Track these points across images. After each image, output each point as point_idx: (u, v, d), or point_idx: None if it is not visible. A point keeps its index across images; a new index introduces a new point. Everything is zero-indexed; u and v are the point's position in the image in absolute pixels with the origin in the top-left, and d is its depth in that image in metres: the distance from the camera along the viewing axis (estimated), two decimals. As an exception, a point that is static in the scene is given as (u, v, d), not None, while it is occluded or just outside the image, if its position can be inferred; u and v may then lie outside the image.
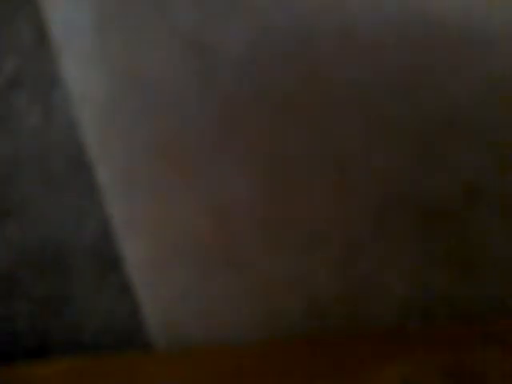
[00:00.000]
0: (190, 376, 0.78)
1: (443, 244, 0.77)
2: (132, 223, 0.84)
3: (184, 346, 0.86)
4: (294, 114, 0.77)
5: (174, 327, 0.87)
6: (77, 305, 0.89)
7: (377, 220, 0.78)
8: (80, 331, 0.90)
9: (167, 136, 0.81)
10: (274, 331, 0.84)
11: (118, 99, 0.81)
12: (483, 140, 0.73)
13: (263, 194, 0.80)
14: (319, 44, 0.75)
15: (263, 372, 0.75)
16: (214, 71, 0.78)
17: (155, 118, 0.81)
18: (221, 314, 0.85)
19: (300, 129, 0.78)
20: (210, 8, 0.76)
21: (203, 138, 0.80)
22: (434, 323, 0.78)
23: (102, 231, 0.86)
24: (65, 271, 0.88)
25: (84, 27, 0.80)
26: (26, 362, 0.91)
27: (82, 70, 0.81)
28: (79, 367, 0.84)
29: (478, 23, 0.70)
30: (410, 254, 0.78)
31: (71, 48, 0.81)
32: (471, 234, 0.76)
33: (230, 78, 0.78)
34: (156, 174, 0.82)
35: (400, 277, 0.79)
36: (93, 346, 0.90)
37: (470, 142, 0.74)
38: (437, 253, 0.77)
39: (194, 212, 0.83)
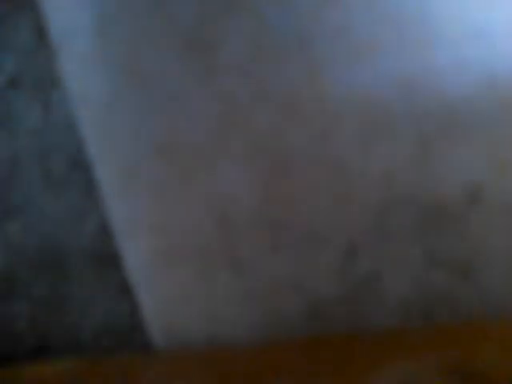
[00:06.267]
0: (189, 376, 0.78)
1: (443, 244, 0.77)
2: (132, 223, 0.84)
3: (184, 346, 0.86)
4: (294, 113, 0.77)
5: (174, 327, 0.87)
6: (76, 305, 0.89)
7: (377, 220, 0.78)
8: (80, 331, 0.90)
9: (167, 135, 0.81)
10: (274, 331, 0.84)
11: (117, 99, 0.81)
12: (483, 140, 0.73)
13: (263, 193, 0.80)
14: (319, 44, 0.75)
15: (263, 372, 0.75)
16: (214, 71, 0.78)
17: (155, 118, 0.81)
18: (221, 314, 0.85)
19: (300, 129, 0.78)
20: (210, 7, 0.76)
21: (203, 138, 0.80)
22: (433, 323, 0.78)
23: (101, 231, 0.86)
24: (64, 271, 0.88)
25: (84, 27, 0.80)
26: (26, 362, 0.91)
27: (82, 69, 0.81)
28: (79, 367, 0.84)
29: (478, 23, 0.71)
30: (410, 254, 0.78)
31: (71, 48, 0.81)
32: (471, 234, 0.76)
33: (230, 78, 0.78)
34: (156, 173, 0.82)
35: (400, 277, 0.79)
36: (92, 346, 0.90)
37: (470, 142, 0.74)
38: (437, 253, 0.77)
39: (194, 212, 0.83)
